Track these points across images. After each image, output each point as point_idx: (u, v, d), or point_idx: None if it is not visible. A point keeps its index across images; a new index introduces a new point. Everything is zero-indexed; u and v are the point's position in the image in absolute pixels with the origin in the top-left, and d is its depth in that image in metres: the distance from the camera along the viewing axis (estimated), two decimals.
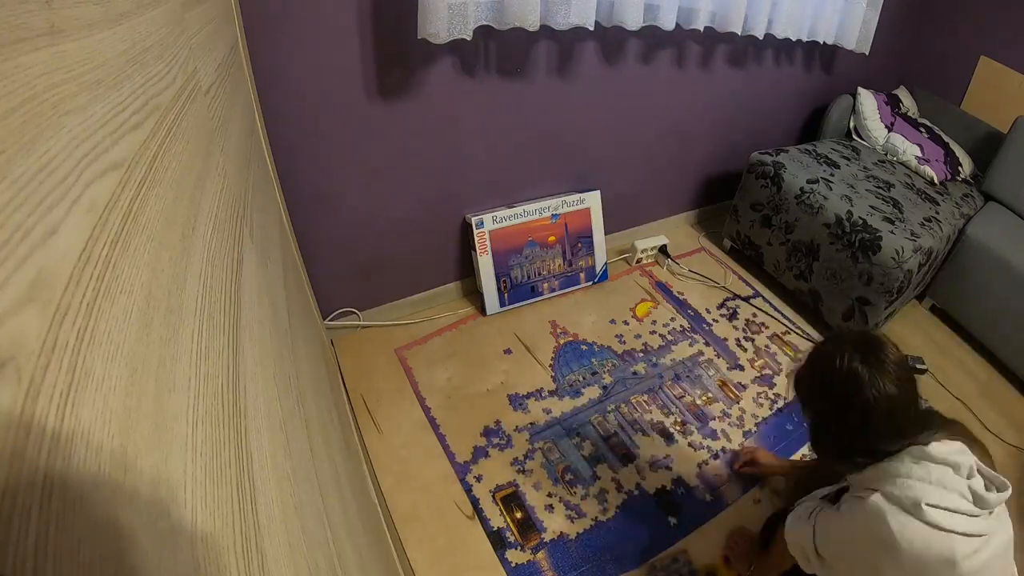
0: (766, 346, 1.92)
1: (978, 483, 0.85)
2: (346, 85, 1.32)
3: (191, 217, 0.46)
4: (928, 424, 0.90)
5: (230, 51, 0.90)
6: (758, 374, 1.81)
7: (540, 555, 1.30)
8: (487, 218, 1.79)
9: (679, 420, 1.63)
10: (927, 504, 0.81)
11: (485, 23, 1.33)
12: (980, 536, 0.83)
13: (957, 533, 0.81)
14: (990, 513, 0.85)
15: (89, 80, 0.31)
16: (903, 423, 0.86)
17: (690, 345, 1.88)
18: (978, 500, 0.83)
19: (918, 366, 1.88)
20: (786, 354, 1.90)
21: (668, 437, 1.58)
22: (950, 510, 0.82)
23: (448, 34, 1.25)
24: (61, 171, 0.25)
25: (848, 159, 2.18)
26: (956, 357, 1.99)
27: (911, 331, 2.08)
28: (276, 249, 0.99)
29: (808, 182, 1.95)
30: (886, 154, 2.30)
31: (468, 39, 1.30)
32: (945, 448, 0.86)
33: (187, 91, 0.53)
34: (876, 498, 0.86)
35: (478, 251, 1.80)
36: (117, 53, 0.36)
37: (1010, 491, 0.86)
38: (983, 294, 1.94)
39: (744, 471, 1.49)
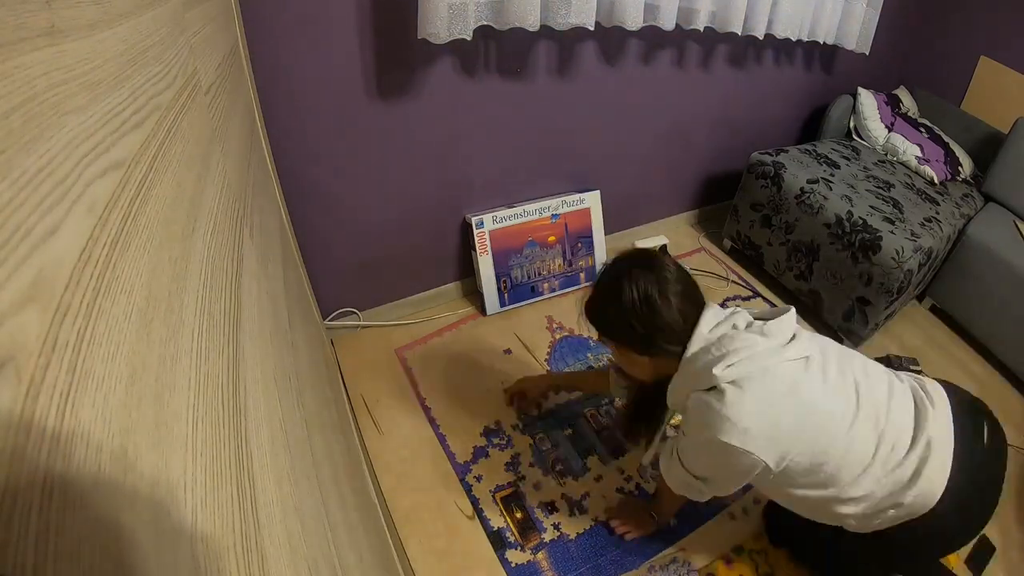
0: None
1: (757, 326, 0.92)
2: (346, 85, 1.32)
3: (191, 217, 0.46)
4: (700, 301, 0.98)
5: (230, 51, 0.90)
6: None
7: (540, 555, 1.30)
8: (487, 218, 1.79)
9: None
10: (718, 368, 0.87)
11: (485, 23, 1.33)
12: (798, 359, 0.89)
13: (768, 363, 0.87)
14: (792, 340, 0.91)
15: (89, 80, 0.31)
16: (690, 305, 0.96)
17: None
18: (763, 333, 0.90)
19: (912, 367, 1.90)
20: None
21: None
22: (743, 358, 0.87)
23: (448, 34, 1.25)
24: (61, 171, 0.25)
25: (848, 159, 2.18)
26: (956, 357, 1.99)
27: (911, 331, 2.08)
28: (276, 249, 0.99)
29: (808, 182, 1.95)
30: (886, 154, 2.30)
31: (468, 39, 1.30)
32: (714, 320, 0.94)
33: (187, 91, 0.53)
34: (692, 400, 0.93)
35: (478, 251, 1.80)
36: (117, 53, 0.36)
37: (791, 310, 0.94)
38: (983, 294, 1.94)
39: (522, 408, 1.58)
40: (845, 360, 0.97)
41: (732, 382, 0.88)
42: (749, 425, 0.86)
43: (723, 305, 2.06)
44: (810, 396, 0.89)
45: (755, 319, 0.96)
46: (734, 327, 0.93)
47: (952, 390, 1.00)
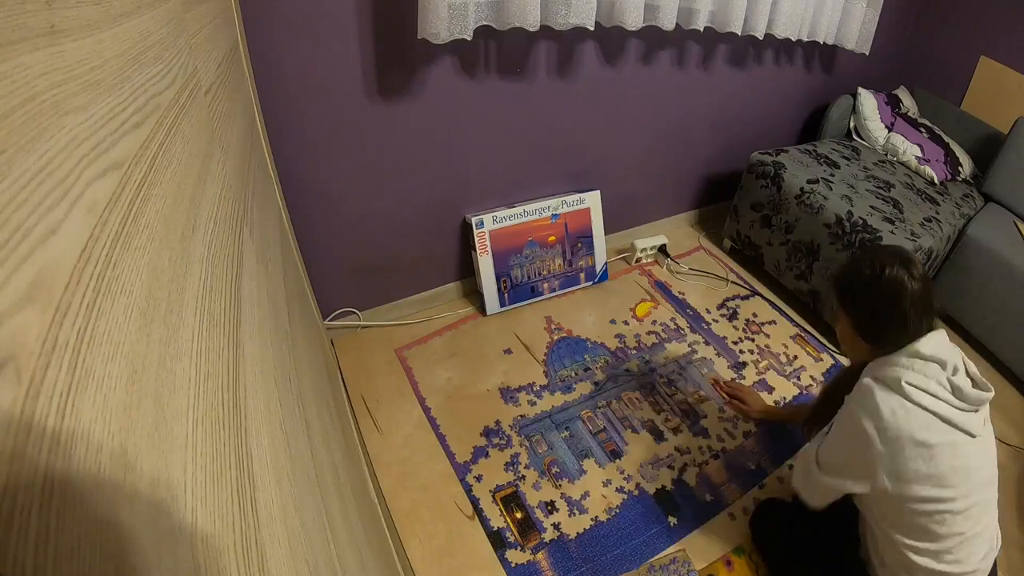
0: (766, 346, 1.92)
1: (962, 380, 0.96)
2: (346, 85, 1.32)
3: (191, 217, 0.46)
4: (934, 313, 1.02)
5: (230, 51, 0.90)
6: (758, 374, 1.81)
7: (540, 555, 1.30)
8: (487, 218, 1.79)
9: (669, 418, 1.63)
10: (907, 382, 0.94)
11: (485, 23, 1.33)
12: (963, 432, 0.94)
13: (938, 415, 0.93)
14: (976, 411, 0.96)
15: (89, 80, 0.31)
16: (927, 316, 1.01)
17: (685, 345, 1.88)
18: (957, 392, 0.95)
19: None
20: (785, 354, 1.90)
21: (658, 435, 1.57)
22: (929, 392, 0.94)
23: (448, 34, 1.25)
24: (61, 171, 0.25)
25: (848, 159, 2.18)
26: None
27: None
28: (276, 249, 0.99)
29: (808, 182, 1.95)
30: (886, 154, 2.30)
31: (468, 39, 1.30)
32: (935, 347, 0.98)
33: (187, 91, 0.53)
34: (867, 380, 1.01)
35: (478, 251, 1.80)
36: (117, 53, 0.36)
37: (992, 393, 0.97)
38: (983, 294, 1.94)
39: (733, 406, 1.67)
40: (989, 463, 1.03)
41: (908, 396, 0.95)
42: (886, 427, 0.95)
43: (723, 305, 2.06)
44: (949, 457, 0.95)
45: (968, 375, 1.00)
46: (943, 366, 0.97)
47: None
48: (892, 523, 1.01)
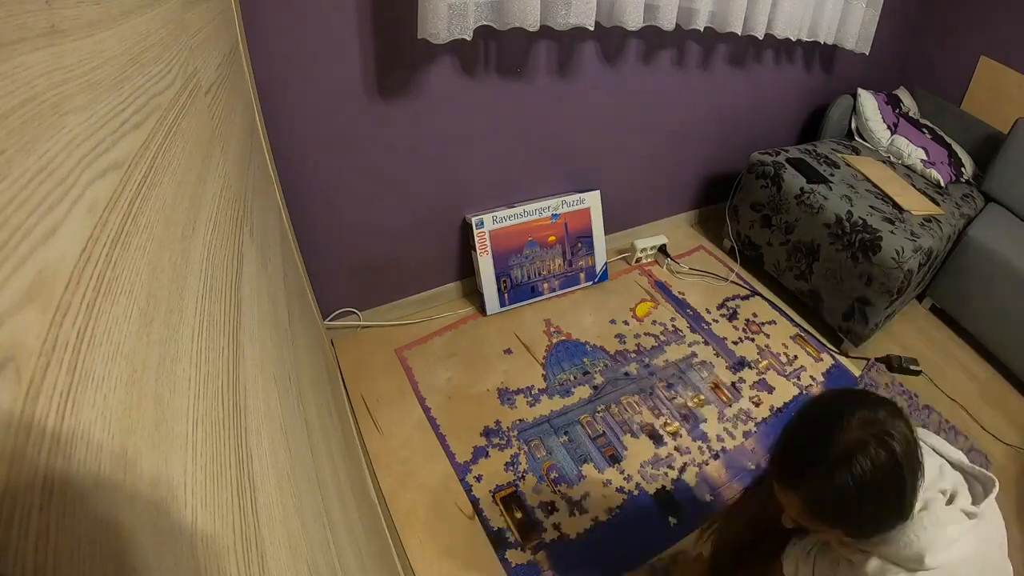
0: (767, 346, 1.92)
1: (964, 500, 0.80)
2: (346, 85, 1.32)
3: (191, 217, 0.46)
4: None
5: (230, 51, 0.90)
6: (758, 375, 1.81)
7: (540, 555, 1.29)
8: (487, 218, 1.79)
9: (668, 422, 1.62)
10: (930, 555, 0.74)
11: (485, 23, 1.33)
12: (980, 533, 0.78)
13: (969, 559, 0.76)
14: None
15: (89, 80, 0.31)
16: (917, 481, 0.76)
17: (685, 346, 1.88)
18: (971, 514, 0.78)
19: (912, 367, 1.88)
20: (785, 354, 1.90)
21: (657, 439, 1.57)
22: (952, 540, 0.75)
23: (448, 34, 1.25)
24: (61, 171, 0.25)
25: (839, 166, 2.18)
26: (956, 357, 1.99)
27: (911, 331, 2.08)
28: (276, 249, 0.99)
29: (808, 182, 1.95)
30: (890, 156, 2.30)
31: (468, 39, 1.30)
32: (927, 480, 0.78)
33: (187, 91, 0.53)
34: (873, 565, 0.78)
35: (478, 251, 1.80)
36: (117, 53, 0.36)
37: (996, 488, 0.82)
38: (983, 294, 1.94)
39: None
40: (1000, 554, 0.84)
41: (931, 566, 0.74)
42: None
43: (723, 305, 2.06)
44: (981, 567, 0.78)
45: (965, 476, 0.83)
46: (943, 492, 0.79)
47: None
48: None
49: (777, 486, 0.81)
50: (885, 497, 0.73)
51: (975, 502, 0.80)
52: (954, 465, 0.86)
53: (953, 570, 0.76)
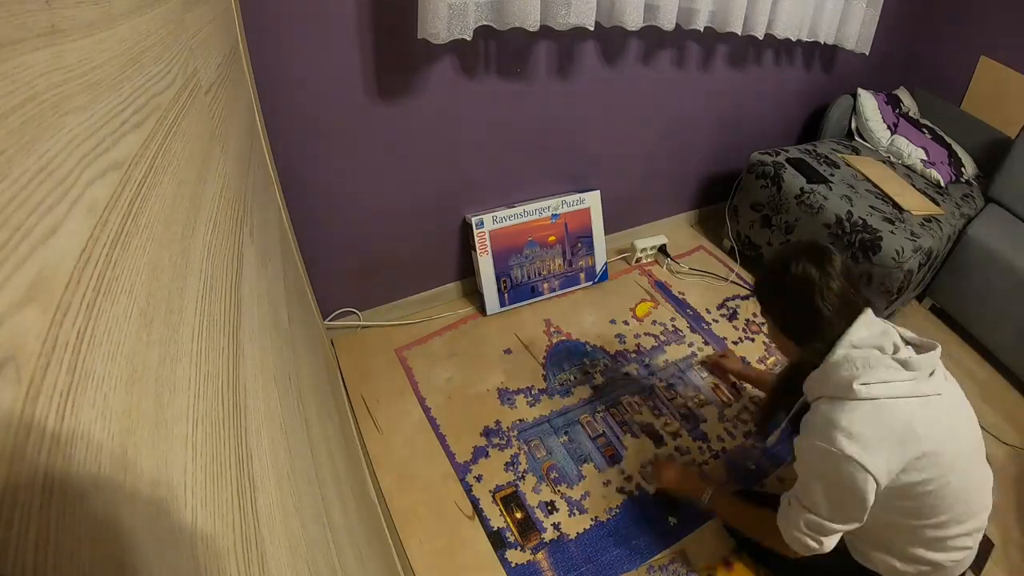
0: (765, 344, 1.91)
1: (906, 353, 0.95)
2: (346, 85, 1.32)
3: (191, 217, 0.46)
4: (856, 306, 1.01)
5: (230, 51, 0.90)
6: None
7: (540, 555, 1.29)
8: (487, 218, 1.79)
9: (669, 422, 1.62)
10: (859, 383, 0.91)
11: (485, 23, 1.33)
12: (929, 396, 0.92)
13: (901, 397, 0.91)
14: (931, 375, 0.95)
15: (89, 80, 0.31)
16: (845, 305, 1.00)
17: (685, 346, 1.88)
18: (907, 366, 0.93)
19: None
20: None
21: (657, 439, 1.57)
22: (883, 382, 0.91)
23: (448, 34, 1.25)
24: (61, 171, 0.25)
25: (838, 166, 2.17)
26: (956, 357, 1.99)
27: (911, 331, 2.07)
28: (276, 249, 0.99)
29: (808, 182, 1.95)
30: (890, 156, 2.30)
31: (468, 39, 1.30)
32: (866, 333, 0.97)
33: (187, 91, 0.53)
34: (817, 406, 0.98)
35: (478, 251, 1.80)
36: (117, 53, 0.36)
37: (938, 348, 0.97)
38: (983, 294, 1.94)
39: (716, 374, 1.75)
40: (965, 412, 1.01)
41: (864, 396, 0.91)
42: (866, 439, 0.89)
43: (723, 305, 2.06)
44: (925, 432, 0.91)
45: (904, 341, 1.00)
46: (881, 349, 0.95)
47: None
48: (898, 517, 0.97)
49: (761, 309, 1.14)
50: (796, 293, 1.01)
51: (917, 366, 0.93)
52: (905, 339, 1.01)
53: (889, 407, 0.90)
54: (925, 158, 2.21)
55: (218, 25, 0.82)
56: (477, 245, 1.79)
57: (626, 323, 1.94)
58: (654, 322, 1.95)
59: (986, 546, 1.38)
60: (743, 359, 1.83)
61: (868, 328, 0.98)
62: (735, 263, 2.27)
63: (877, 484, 0.90)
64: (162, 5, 0.50)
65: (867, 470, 0.89)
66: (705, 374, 1.78)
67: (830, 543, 1.00)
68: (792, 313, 1.05)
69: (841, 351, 0.97)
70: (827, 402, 0.96)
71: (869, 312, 1.01)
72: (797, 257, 1.02)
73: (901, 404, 0.91)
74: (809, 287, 0.99)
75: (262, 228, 0.85)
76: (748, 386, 1.75)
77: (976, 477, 0.98)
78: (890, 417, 0.90)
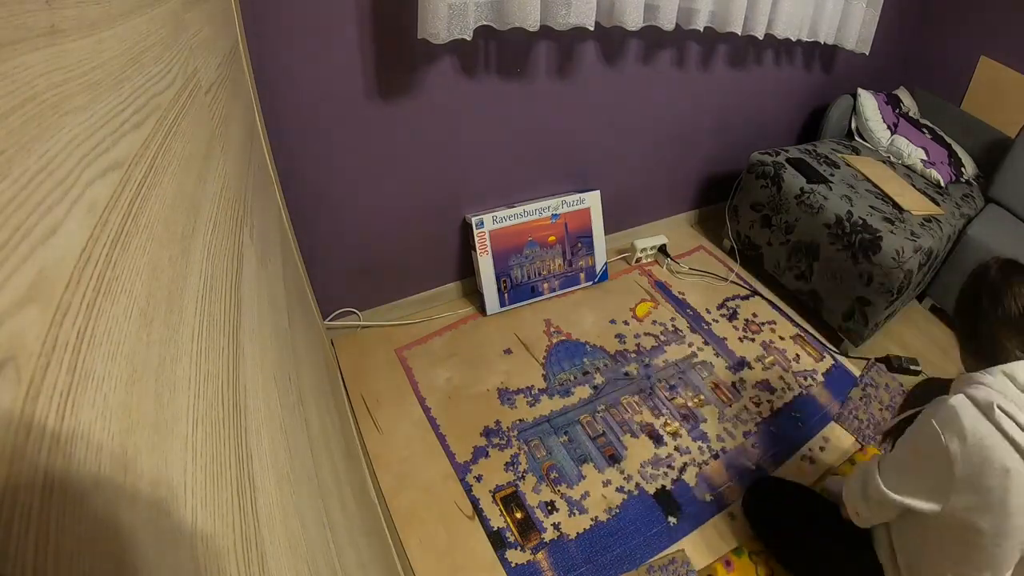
0: (767, 346, 1.92)
1: None
2: (346, 85, 1.32)
3: (191, 217, 0.46)
4: None
5: (230, 51, 0.90)
6: (759, 375, 1.81)
7: (540, 555, 1.30)
8: (487, 218, 1.79)
9: (668, 422, 1.62)
10: (999, 407, 0.88)
11: (485, 23, 1.33)
12: None
13: (1020, 445, 0.86)
14: None
15: (89, 80, 0.31)
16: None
17: (685, 346, 1.88)
18: None
19: (912, 367, 1.91)
20: (785, 354, 1.90)
21: (657, 439, 1.57)
22: (1018, 424, 0.87)
23: (448, 34, 1.25)
24: (61, 171, 0.25)
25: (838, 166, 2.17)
26: (956, 357, 1.99)
27: (911, 331, 2.08)
28: (276, 249, 0.99)
29: (808, 182, 1.95)
30: (890, 156, 2.30)
31: (468, 39, 1.30)
32: None
33: (187, 91, 0.53)
34: (958, 397, 0.94)
35: (478, 251, 1.80)
36: (117, 53, 0.36)
37: None
38: None
39: None
40: None
41: (998, 425, 0.89)
42: (968, 445, 0.90)
43: (723, 305, 2.06)
44: (1013, 488, 0.89)
45: None
46: None
47: None
48: (940, 545, 0.98)
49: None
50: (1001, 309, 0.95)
51: None
52: None
53: (1003, 451, 0.87)
54: (925, 158, 2.21)
55: (218, 25, 0.82)
56: (477, 245, 1.79)
57: (626, 323, 1.94)
58: (654, 322, 1.95)
59: None
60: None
61: None
62: (735, 263, 2.27)
63: (952, 484, 0.91)
64: (162, 5, 0.50)
65: (952, 469, 0.90)
66: (705, 373, 1.78)
67: (870, 514, 1.06)
68: (984, 325, 0.98)
69: (1001, 374, 0.93)
70: (964, 397, 0.93)
71: None
72: (1017, 276, 0.96)
73: (1014, 453, 0.88)
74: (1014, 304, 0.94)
75: (262, 228, 0.85)
76: (748, 385, 1.75)
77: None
78: (999, 452, 0.88)
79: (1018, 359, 0.94)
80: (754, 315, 2.04)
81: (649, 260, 2.24)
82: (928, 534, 1.00)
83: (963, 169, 2.26)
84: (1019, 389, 0.91)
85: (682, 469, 1.50)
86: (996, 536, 0.90)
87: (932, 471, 0.94)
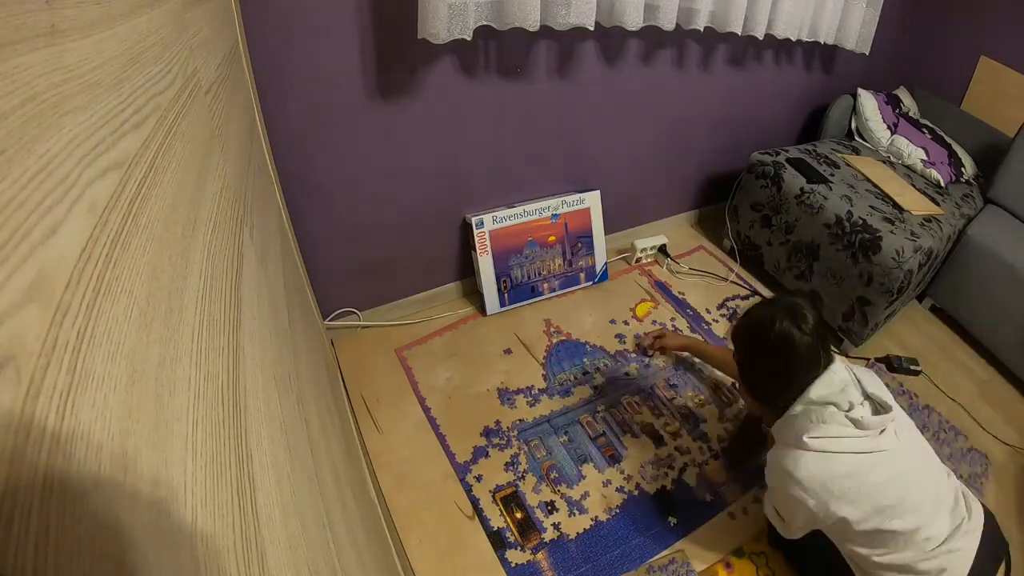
0: None
1: (860, 411, 1.03)
2: (346, 85, 1.32)
3: (191, 217, 0.46)
4: (821, 364, 1.07)
5: (230, 51, 0.90)
6: None
7: (540, 555, 1.29)
8: (487, 218, 1.79)
9: (669, 422, 1.62)
10: (808, 437, 1.01)
11: (485, 23, 1.33)
12: (875, 452, 1.01)
13: (845, 453, 1.00)
14: (881, 432, 1.03)
15: (89, 80, 0.31)
16: (810, 369, 1.06)
17: None
18: (859, 425, 1.01)
19: (911, 367, 1.94)
20: None
21: (657, 439, 1.57)
22: (831, 437, 1.01)
23: (448, 34, 1.25)
24: (61, 171, 0.25)
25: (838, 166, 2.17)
26: (956, 357, 1.99)
27: (911, 331, 2.08)
28: (276, 249, 0.99)
29: (808, 182, 1.95)
30: (890, 156, 2.30)
31: (468, 39, 1.30)
32: (826, 391, 1.04)
33: (187, 91, 0.53)
34: (773, 451, 1.10)
35: (478, 251, 1.80)
36: (117, 53, 0.36)
37: (892, 412, 1.04)
38: (983, 294, 1.94)
39: (654, 348, 1.79)
40: (915, 447, 1.10)
41: (815, 449, 1.01)
42: (809, 486, 1.02)
43: (723, 305, 2.06)
44: (870, 479, 1.01)
45: (864, 396, 1.07)
46: (837, 406, 1.03)
47: (988, 516, 1.10)
48: (854, 544, 1.06)
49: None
50: (774, 356, 1.06)
51: (867, 426, 1.01)
52: (867, 394, 1.07)
53: (836, 461, 1.00)
54: (925, 158, 2.21)
55: (218, 25, 0.82)
56: (477, 245, 1.79)
57: (626, 323, 1.94)
58: (654, 322, 1.95)
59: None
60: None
61: (829, 386, 1.05)
62: (735, 263, 2.27)
63: (814, 512, 1.03)
64: (162, 5, 0.50)
65: (806, 504, 1.02)
66: (705, 373, 1.78)
67: (797, 533, 1.14)
68: (765, 370, 1.10)
69: (800, 406, 1.06)
70: (782, 448, 1.07)
71: (834, 367, 1.07)
72: (775, 317, 1.06)
73: (845, 457, 1.01)
74: (788, 347, 1.04)
75: (262, 228, 0.85)
76: None
77: (925, 500, 1.04)
78: (834, 465, 1.01)
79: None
80: None
81: (649, 260, 2.24)
82: (844, 541, 1.09)
83: (963, 169, 2.26)
84: (820, 407, 1.04)
85: (682, 469, 1.50)
86: (870, 512, 1.00)
87: (801, 509, 1.04)
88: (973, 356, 2.00)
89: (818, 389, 1.05)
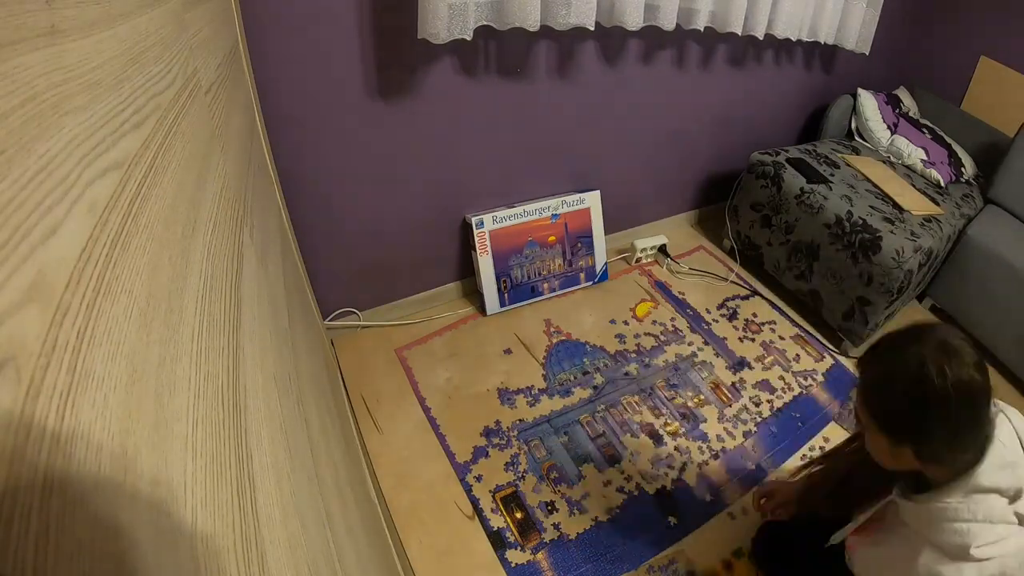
0: (767, 346, 1.91)
1: (1022, 504, 0.79)
2: (346, 85, 1.32)
3: (191, 217, 0.46)
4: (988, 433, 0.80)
5: (230, 51, 0.90)
6: (758, 375, 1.81)
7: (540, 555, 1.30)
8: (487, 218, 1.79)
9: (669, 422, 1.62)
10: (975, 547, 0.77)
11: (485, 23, 1.33)
12: None
13: (1009, 556, 0.78)
14: None
15: (89, 80, 0.31)
16: (972, 440, 0.78)
17: (685, 345, 1.88)
18: (1021, 520, 0.78)
19: None
20: (785, 354, 1.90)
21: (657, 439, 1.57)
22: (998, 541, 0.78)
23: (448, 34, 1.25)
24: (61, 171, 0.25)
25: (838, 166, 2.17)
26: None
27: None
28: (276, 249, 0.99)
29: (808, 182, 1.95)
30: (890, 156, 2.30)
31: (468, 39, 1.30)
32: (994, 469, 0.78)
33: (187, 91, 0.53)
34: (925, 557, 0.82)
35: (478, 251, 1.80)
36: (117, 53, 0.36)
37: None
38: (983, 294, 1.94)
39: (766, 510, 1.28)
40: None
41: (981, 558, 0.78)
42: None
43: (723, 305, 2.06)
44: None
45: None
46: (1002, 493, 0.78)
47: None
48: None
49: (860, 415, 0.86)
50: (954, 411, 0.75)
51: None
52: None
53: (1002, 564, 0.77)
54: (925, 158, 2.21)
55: (218, 25, 0.82)
56: (477, 245, 1.79)
57: (626, 323, 1.94)
58: (654, 322, 1.95)
59: None
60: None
61: (1000, 463, 0.78)
62: (735, 263, 2.27)
63: None
64: (162, 5, 0.50)
65: None
66: (705, 373, 1.78)
67: None
68: (956, 436, 0.78)
69: (961, 493, 0.78)
70: (933, 552, 0.81)
71: (1000, 420, 0.81)
72: (938, 359, 0.76)
73: (1008, 561, 0.78)
74: (980, 397, 0.76)
75: (262, 228, 0.85)
76: (749, 385, 1.75)
77: None
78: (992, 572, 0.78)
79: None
80: (754, 315, 2.04)
81: (649, 260, 2.24)
82: None
83: (963, 169, 2.26)
84: (985, 495, 0.78)
85: (682, 469, 1.50)
86: None
87: None
88: None
89: (989, 470, 0.77)
